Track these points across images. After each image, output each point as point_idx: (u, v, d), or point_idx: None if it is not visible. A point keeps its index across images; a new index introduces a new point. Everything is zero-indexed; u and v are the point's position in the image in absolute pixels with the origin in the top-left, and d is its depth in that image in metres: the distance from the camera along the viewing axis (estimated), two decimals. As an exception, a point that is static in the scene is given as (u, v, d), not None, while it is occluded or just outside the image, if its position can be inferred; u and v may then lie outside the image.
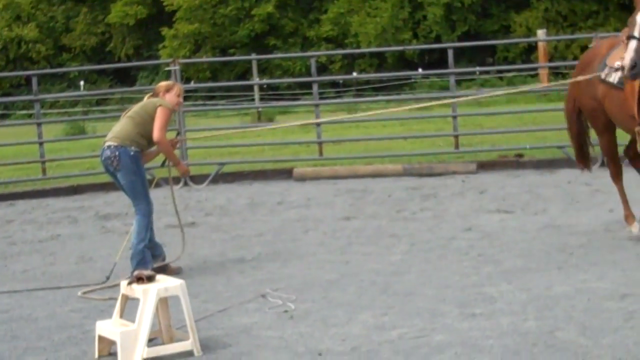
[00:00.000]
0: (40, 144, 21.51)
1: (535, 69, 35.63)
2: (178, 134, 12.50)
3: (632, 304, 9.45)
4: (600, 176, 17.41)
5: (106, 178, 20.25)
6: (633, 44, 10.49)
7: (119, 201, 18.55)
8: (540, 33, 40.84)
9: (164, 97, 12.09)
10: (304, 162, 21.06)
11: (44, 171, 21.15)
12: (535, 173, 18.64)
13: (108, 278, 11.54)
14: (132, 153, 11.63)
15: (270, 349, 8.82)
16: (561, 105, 25.09)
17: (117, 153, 11.63)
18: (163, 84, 12.64)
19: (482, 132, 22.47)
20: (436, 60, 42.60)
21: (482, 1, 49.73)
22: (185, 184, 19.81)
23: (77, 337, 9.54)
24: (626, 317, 9.07)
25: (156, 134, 11.58)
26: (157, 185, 13.68)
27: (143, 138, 11.70)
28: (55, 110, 38.31)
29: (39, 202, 19.01)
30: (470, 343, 8.62)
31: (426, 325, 9.26)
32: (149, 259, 11.68)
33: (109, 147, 11.72)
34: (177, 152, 13.38)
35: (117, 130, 11.86)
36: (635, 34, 10.44)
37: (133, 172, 11.73)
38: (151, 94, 12.38)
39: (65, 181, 20.64)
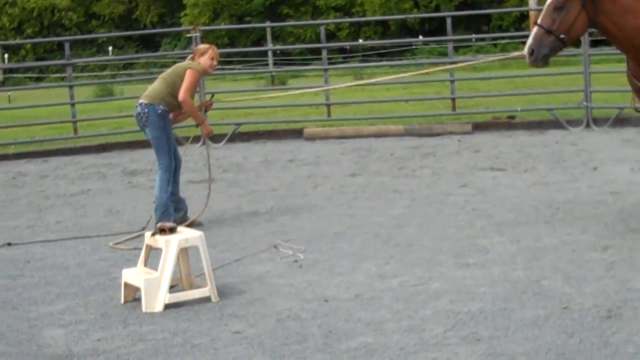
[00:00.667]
0: (72, 105, 21.52)
1: (526, 36, 35.48)
2: (212, 96, 12.37)
3: (612, 255, 9.49)
4: (585, 137, 17.45)
5: (132, 137, 20.42)
6: (534, 30, 10.36)
7: (144, 158, 18.58)
8: (532, 2, 40.59)
9: (199, 60, 12.09)
10: (313, 123, 21.07)
11: (75, 130, 21.19)
12: (525, 134, 18.65)
13: (144, 229, 11.45)
14: (159, 111, 11.73)
15: (281, 296, 8.86)
16: (550, 70, 24.96)
17: (146, 110, 11.77)
18: (200, 47, 12.57)
19: (477, 95, 22.47)
20: (435, 28, 42.46)
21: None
22: (203, 142, 19.82)
23: (105, 283, 9.59)
24: (607, 267, 9.10)
25: (181, 94, 11.59)
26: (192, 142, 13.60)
27: (173, 97, 11.71)
28: (86, 74, 38.25)
29: (70, 159, 19.04)
30: (464, 290, 8.67)
31: (424, 274, 9.30)
32: (172, 211, 11.71)
33: (140, 104, 11.89)
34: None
35: (149, 89, 12.01)
36: (539, 20, 10.31)
37: (159, 128, 11.79)
38: (191, 56, 12.36)
39: (94, 140, 20.69)
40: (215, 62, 12.33)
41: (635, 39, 9.93)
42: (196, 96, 12.37)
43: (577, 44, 10.68)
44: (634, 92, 10.09)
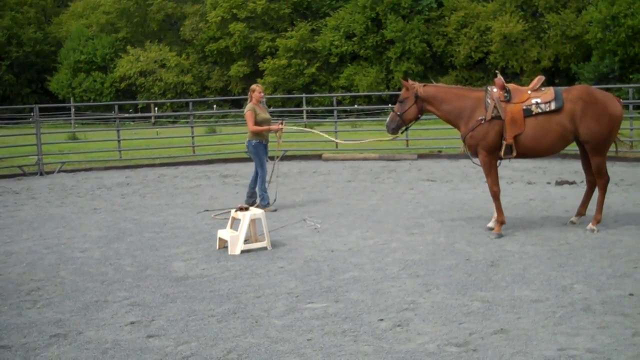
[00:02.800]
0: (192, 137, 21.60)
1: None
2: (282, 122, 12.10)
3: (504, 232, 9.46)
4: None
5: (225, 155, 20.42)
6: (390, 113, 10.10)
7: (232, 168, 18.62)
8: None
9: (251, 99, 11.97)
10: (328, 151, 21.04)
11: (193, 150, 21.25)
12: (448, 161, 18.59)
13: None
14: (253, 143, 11.78)
15: (307, 247, 8.87)
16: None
17: (246, 143, 11.98)
18: (252, 87, 12.21)
19: (421, 138, 22.37)
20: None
21: (424, 70, 49.48)
22: (266, 160, 19.85)
23: (208, 237, 9.61)
24: (493, 237, 9.08)
25: (249, 128, 11.68)
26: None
27: (250, 132, 11.73)
28: (200, 120, 38.29)
29: (190, 167, 19.08)
30: (410, 247, 8.66)
31: (388, 238, 9.29)
32: (267, 196, 11.89)
33: (246, 141, 11.98)
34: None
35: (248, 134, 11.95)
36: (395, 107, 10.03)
37: (253, 153, 11.90)
38: (249, 94, 12.08)
39: (204, 157, 20.69)
40: (257, 93, 11.91)
41: (450, 116, 9.76)
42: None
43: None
44: (467, 148, 9.77)
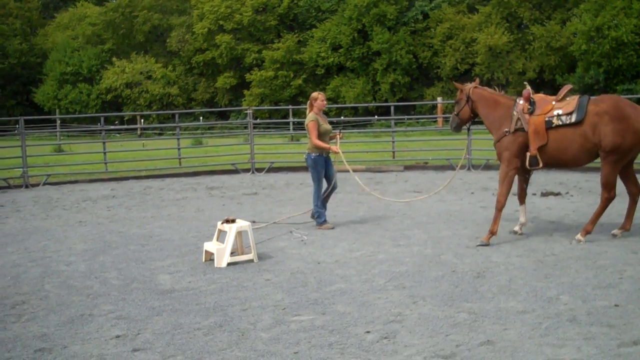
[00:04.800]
0: (178, 149, 21.57)
1: (435, 118, 35.46)
2: (340, 132, 11.74)
3: (486, 243, 9.49)
4: (466, 175, 17.42)
5: (211, 167, 20.42)
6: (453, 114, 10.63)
7: (219, 180, 18.59)
8: (439, 99, 40.78)
9: (311, 108, 11.04)
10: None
11: (179, 162, 21.19)
12: (434, 172, 18.64)
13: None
14: (312, 157, 11.02)
15: (293, 259, 8.86)
16: (450, 136, 24.90)
17: (305, 157, 11.20)
18: (312, 95, 11.12)
19: (407, 150, 22.43)
20: (384, 111, 42.62)
21: (410, 81, 49.70)
22: (252, 172, 19.85)
23: (194, 250, 9.59)
24: (478, 249, 9.10)
25: (312, 141, 10.88)
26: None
27: (312, 145, 10.95)
28: (187, 132, 38.23)
29: (176, 179, 19.03)
30: (397, 259, 8.67)
31: (375, 249, 9.30)
32: (324, 213, 11.17)
33: (306, 154, 11.21)
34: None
35: (308, 145, 11.19)
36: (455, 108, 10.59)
37: (311, 166, 11.12)
38: (309, 103, 11.14)
39: (190, 169, 20.65)
40: (319, 102, 10.99)
41: (486, 121, 10.03)
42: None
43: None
44: (497, 155, 10.02)
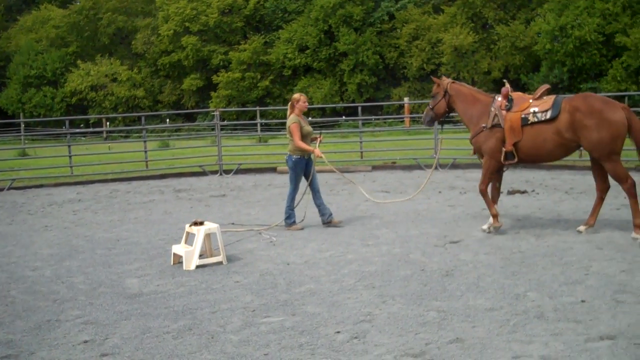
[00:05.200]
0: (145, 151, 21.40)
1: (402, 118, 35.63)
2: (320, 134, 11.64)
3: (449, 241, 9.54)
4: (434, 174, 17.51)
5: (180, 170, 20.31)
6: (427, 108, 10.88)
7: (186, 182, 18.50)
8: (406, 99, 40.96)
9: (294, 109, 10.97)
10: (282, 164, 21.01)
11: (146, 165, 21.04)
12: (402, 172, 18.72)
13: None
14: (294, 159, 10.97)
15: (262, 261, 8.84)
16: (417, 136, 25.04)
17: (286, 158, 11.11)
18: (293, 97, 11.10)
19: (375, 150, 22.49)
20: (352, 112, 42.71)
21: (377, 81, 49.87)
22: (220, 174, 19.77)
23: (162, 253, 9.52)
24: (445, 248, 9.16)
25: (295, 142, 10.79)
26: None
27: (294, 146, 10.87)
28: (154, 134, 37.97)
29: (143, 182, 18.89)
30: (366, 259, 8.68)
31: (344, 249, 9.31)
32: (294, 215, 11.12)
33: (287, 155, 11.12)
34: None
35: (288, 146, 11.08)
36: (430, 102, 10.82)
37: (291, 168, 11.05)
38: (290, 104, 11.06)
39: (157, 171, 20.48)
40: (301, 103, 10.94)
41: (464, 116, 10.31)
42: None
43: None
44: (474, 150, 10.30)
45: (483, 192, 10.04)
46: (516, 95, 9.91)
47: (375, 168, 19.61)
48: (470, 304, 6.60)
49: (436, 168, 18.58)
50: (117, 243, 10.44)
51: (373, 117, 33.97)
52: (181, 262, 8.72)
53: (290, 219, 11.10)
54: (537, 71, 44.37)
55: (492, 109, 9.80)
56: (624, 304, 6.40)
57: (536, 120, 9.46)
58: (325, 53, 50.72)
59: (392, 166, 19.91)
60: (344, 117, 35.01)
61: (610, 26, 42.09)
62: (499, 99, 9.85)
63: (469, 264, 8.21)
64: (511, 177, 16.44)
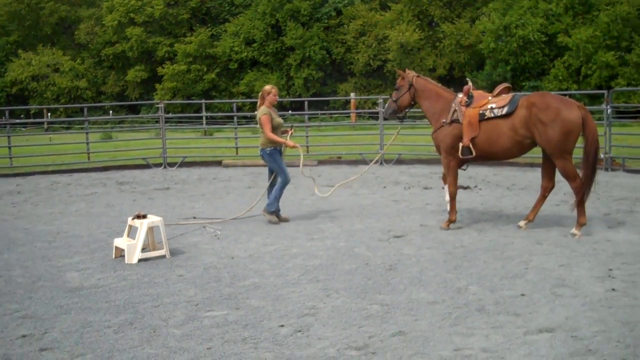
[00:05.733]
0: (87, 143, 21.06)
1: (349, 113, 35.74)
2: (291, 127, 11.41)
3: (393, 235, 9.62)
4: (379, 169, 17.63)
5: (122, 162, 20.04)
6: (389, 100, 10.91)
7: (130, 175, 18.25)
8: (352, 94, 41.09)
9: (262, 101, 10.86)
10: (228, 157, 20.91)
11: (88, 157, 20.69)
12: (347, 167, 18.77)
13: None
14: (268, 151, 10.81)
15: (207, 254, 8.78)
16: (363, 131, 25.13)
17: (261, 153, 10.91)
18: (265, 88, 10.96)
19: (321, 144, 22.51)
20: (298, 106, 42.65)
21: (324, 76, 49.99)
22: (164, 167, 19.57)
23: (104, 246, 9.38)
24: (390, 242, 9.22)
25: (266, 134, 10.64)
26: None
27: (266, 139, 10.72)
28: (96, 126, 37.35)
29: (85, 174, 18.57)
30: (310, 253, 8.70)
31: (289, 243, 9.30)
32: (277, 206, 10.94)
33: (260, 149, 10.95)
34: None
35: (260, 140, 10.94)
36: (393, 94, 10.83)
37: (270, 161, 10.88)
38: (260, 96, 10.92)
39: (100, 164, 20.16)
40: (272, 96, 10.85)
41: (427, 112, 10.41)
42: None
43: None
44: (435, 145, 10.41)
45: (452, 195, 10.12)
46: (477, 92, 10.08)
47: (320, 162, 19.64)
48: (413, 298, 6.66)
49: (380, 163, 18.71)
50: (57, 236, 10.25)
51: (319, 112, 33.99)
52: (123, 256, 8.60)
53: (271, 207, 10.92)
54: (481, 69, 45.04)
55: (453, 105, 9.97)
56: (562, 297, 6.55)
57: (493, 115, 9.62)
58: (272, 47, 50.62)
59: (337, 161, 19.97)
60: (290, 112, 34.90)
61: (552, 26, 43.00)
62: (460, 95, 10.04)
63: (412, 258, 8.29)
64: (455, 173, 16.67)
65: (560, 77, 41.89)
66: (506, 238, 9.24)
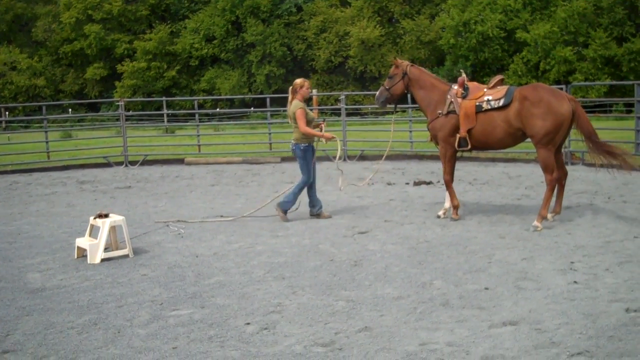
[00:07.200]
0: (47, 142, 20.77)
1: (311, 109, 35.68)
2: (324, 120, 11.15)
3: (358, 231, 9.65)
4: (344, 165, 17.67)
5: (83, 161, 19.81)
6: (381, 88, 10.88)
7: (90, 174, 18.05)
8: (314, 91, 41.00)
9: (294, 95, 10.61)
10: (190, 155, 20.78)
11: (48, 156, 20.42)
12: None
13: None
14: (302, 147, 10.57)
15: (170, 253, 8.71)
16: (325, 128, 25.05)
17: (294, 147, 10.63)
18: (297, 82, 10.72)
19: (284, 141, 22.47)
20: (260, 103, 42.56)
21: (285, 73, 49.94)
22: (126, 165, 19.39)
23: (66, 246, 9.25)
24: (355, 238, 9.25)
25: (301, 129, 10.39)
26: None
27: (301, 134, 10.49)
28: (55, 125, 36.82)
29: (45, 174, 18.32)
30: (275, 250, 8.68)
31: (253, 241, 9.28)
32: (291, 205, 10.75)
33: (292, 143, 10.69)
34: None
35: (293, 135, 10.67)
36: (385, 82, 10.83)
37: (301, 157, 10.60)
38: (291, 90, 10.66)
39: (59, 162, 19.90)
40: (305, 89, 10.61)
41: (421, 102, 10.51)
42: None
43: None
44: (431, 137, 10.51)
45: (447, 183, 10.33)
46: (472, 84, 10.22)
47: (284, 159, 19.62)
48: (378, 293, 6.69)
49: (344, 160, 18.74)
50: (17, 237, 10.09)
51: (282, 108, 33.81)
52: (85, 256, 8.50)
53: (287, 205, 10.75)
54: (441, 65, 45.40)
55: (449, 97, 10.09)
56: (525, 290, 6.63)
57: (489, 107, 9.79)
58: (233, 44, 50.45)
59: (300, 158, 19.95)
60: (252, 109, 34.90)
61: (511, 22, 43.50)
62: (456, 87, 10.14)
63: (377, 254, 8.32)
64: (417, 169, 16.77)
65: (520, 73, 42.43)
66: (469, 233, 9.33)
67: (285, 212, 10.74)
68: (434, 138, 10.39)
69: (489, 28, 42.49)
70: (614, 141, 18.12)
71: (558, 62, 41.18)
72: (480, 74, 43.36)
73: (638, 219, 9.89)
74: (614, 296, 6.33)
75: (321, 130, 10.71)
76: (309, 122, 10.56)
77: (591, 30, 42.10)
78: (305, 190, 10.85)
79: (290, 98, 10.69)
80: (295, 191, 10.76)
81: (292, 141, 10.75)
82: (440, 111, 10.14)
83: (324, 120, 11.23)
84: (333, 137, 10.67)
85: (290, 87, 10.78)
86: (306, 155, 10.65)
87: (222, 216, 11.19)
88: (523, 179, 14.42)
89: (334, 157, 11.55)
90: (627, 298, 6.25)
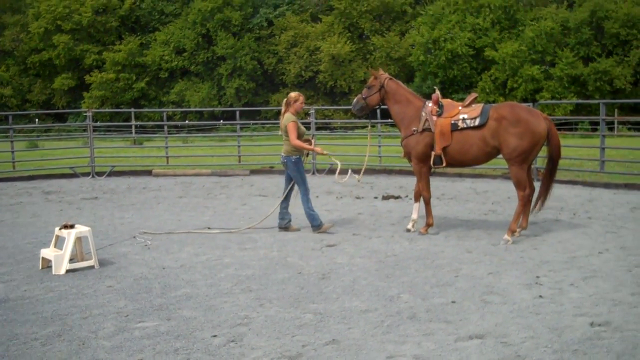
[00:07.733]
0: (12, 152, 20.51)
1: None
2: (313, 136, 10.93)
3: (327, 244, 9.65)
4: (313, 179, 17.68)
5: (49, 171, 19.59)
6: (358, 96, 10.91)
7: (56, 184, 17.85)
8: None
9: (288, 108, 10.60)
10: (158, 167, 20.65)
11: (13, 166, 20.18)
12: (279, 176, 18.72)
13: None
14: (293, 159, 10.57)
15: (137, 265, 8.64)
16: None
17: (285, 160, 10.61)
18: (291, 95, 10.74)
19: (253, 154, 22.46)
20: (230, 116, 42.45)
21: (255, 87, 49.95)
22: (92, 176, 19.21)
23: (30, 257, 9.13)
24: (323, 251, 9.25)
25: (292, 142, 10.40)
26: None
27: (292, 147, 10.47)
28: (22, 134, 36.40)
29: (10, 184, 18.09)
30: (243, 263, 8.65)
31: (221, 253, 9.24)
32: (317, 216, 10.65)
33: (282, 156, 10.69)
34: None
35: (284, 147, 10.64)
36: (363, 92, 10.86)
37: (293, 170, 10.57)
38: (285, 103, 10.66)
39: (25, 173, 19.67)
40: (299, 104, 10.60)
41: (396, 117, 10.54)
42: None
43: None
44: (404, 153, 10.52)
45: (427, 200, 10.41)
46: (446, 102, 10.27)
47: (253, 172, 19.60)
48: (346, 306, 6.69)
49: (312, 173, 18.76)
50: (-20, 247, 9.94)
51: (251, 121, 33.90)
52: (50, 267, 8.40)
53: (316, 221, 10.64)
54: (411, 81, 45.70)
55: (423, 114, 10.10)
56: (492, 304, 6.67)
57: (465, 126, 9.84)
58: (203, 56, 50.38)
59: (269, 170, 19.95)
60: (222, 121, 34.72)
61: (480, 40, 44.01)
62: (430, 104, 10.15)
63: (345, 267, 8.33)
64: (386, 183, 16.83)
65: (487, 90, 42.88)
66: (436, 247, 9.38)
67: (320, 225, 10.64)
68: (408, 155, 10.41)
69: (458, 46, 42.92)
70: (580, 158, 18.40)
71: (525, 80, 41.71)
72: (449, 90, 43.73)
73: (603, 235, 10.03)
74: (579, 310, 6.40)
75: (311, 144, 10.75)
76: (299, 136, 10.58)
77: (558, 49, 42.74)
78: (301, 200, 10.75)
79: (283, 110, 10.75)
80: (306, 209, 10.66)
81: (283, 154, 10.77)
82: (415, 128, 10.15)
83: (313, 136, 11.28)
84: (323, 153, 10.86)
85: (284, 100, 10.83)
86: (299, 166, 10.67)
87: (223, 228, 11.13)
88: (490, 194, 14.54)
89: (336, 169, 11.58)
90: (591, 312, 6.32)
